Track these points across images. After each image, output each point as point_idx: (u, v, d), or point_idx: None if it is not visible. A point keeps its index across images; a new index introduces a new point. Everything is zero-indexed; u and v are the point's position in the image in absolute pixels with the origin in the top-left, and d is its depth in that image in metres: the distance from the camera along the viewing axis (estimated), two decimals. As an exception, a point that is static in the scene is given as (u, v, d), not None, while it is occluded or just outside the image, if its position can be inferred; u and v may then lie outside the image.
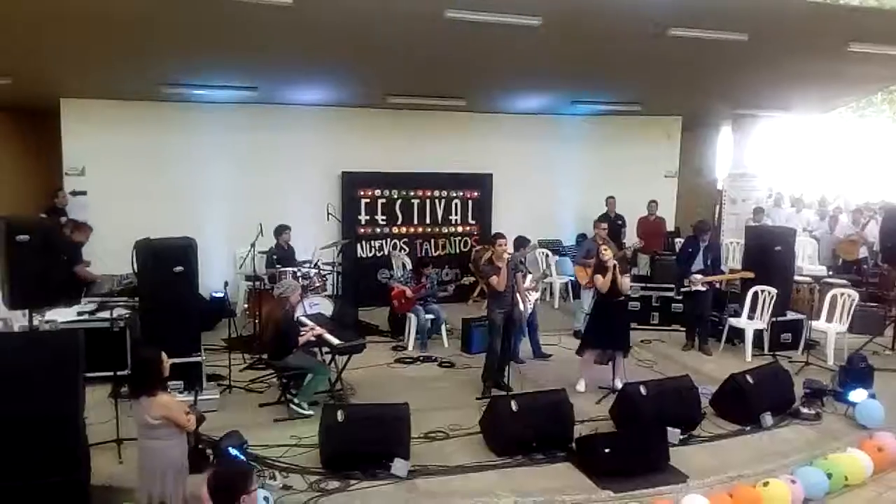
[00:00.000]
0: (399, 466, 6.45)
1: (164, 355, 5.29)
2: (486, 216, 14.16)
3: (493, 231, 10.39)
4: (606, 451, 6.61)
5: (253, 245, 10.52)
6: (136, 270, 8.22)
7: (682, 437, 7.33)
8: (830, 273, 12.88)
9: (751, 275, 10.59)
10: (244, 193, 12.57)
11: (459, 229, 14.12)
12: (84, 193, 12.05)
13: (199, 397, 7.57)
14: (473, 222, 14.16)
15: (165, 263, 8.07)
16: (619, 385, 8.41)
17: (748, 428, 7.78)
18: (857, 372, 8.54)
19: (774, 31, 9.43)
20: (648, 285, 12.07)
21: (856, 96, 16.68)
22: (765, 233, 11.92)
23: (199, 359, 8.27)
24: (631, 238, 13.95)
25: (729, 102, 14.65)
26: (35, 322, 7.47)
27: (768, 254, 10.89)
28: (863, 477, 7.18)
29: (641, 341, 11.05)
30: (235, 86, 11.48)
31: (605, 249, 8.78)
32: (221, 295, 10.67)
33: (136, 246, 8.16)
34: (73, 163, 12.02)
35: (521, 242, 9.83)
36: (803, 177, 20.42)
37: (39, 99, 11.82)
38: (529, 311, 9.97)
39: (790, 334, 10.71)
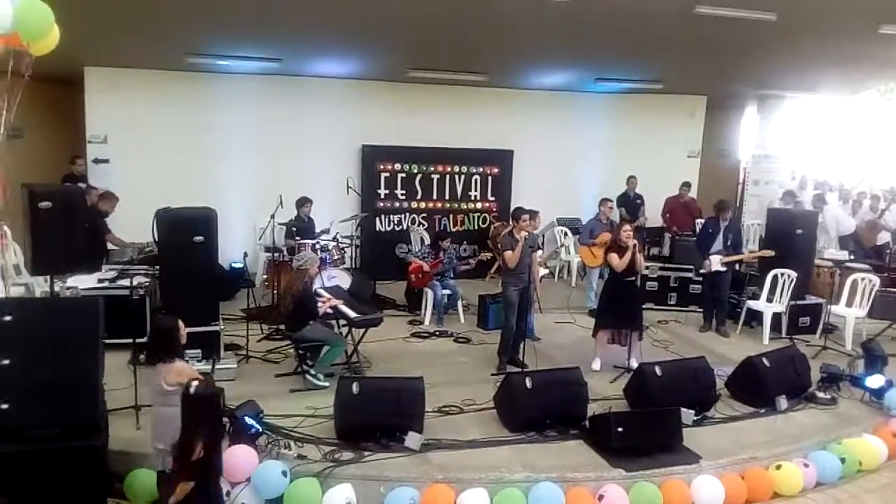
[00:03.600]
0: (412, 439, 6.51)
1: (181, 323, 5.35)
2: (506, 193, 14.11)
3: (513, 207, 10.36)
4: (619, 430, 6.62)
5: (273, 216, 10.56)
6: (156, 239, 8.28)
7: (695, 418, 7.33)
8: (851, 257, 12.75)
9: (771, 253, 10.51)
10: (265, 165, 12.61)
11: (479, 205, 14.10)
12: (106, 161, 12.12)
13: (217, 366, 7.70)
14: (493, 199, 14.13)
15: (186, 233, 8.13)
16: (634, 365, 8.42)
17: (763, 410, 7.77)
18: (872, 357, 8.48)
19: (803, 11, 9.28)
20: (667, 265, 12.00)
21: (885, 79, 16.43)
22: (786, 215, 11.81)
23: (217, 328, 8.38)
24: (651, 217, 13.91)
25: (754, 83, 14.46)
26: (56, 288, 7.54)
27: (789, 237, 10.80)
28: (877, 462, 7.19)
29: (658, 321, 11.04)
30: (259, 57, 11.48)
31: (627, 230, 8.73)
32: (241, 265, 10.73)
33: (157, 215, 8.21)
34: (96, 131, 12.08)
35: (532, 215, 9.78)
36: (827, 160, 20.15)
37: (63, 67, 11.84)
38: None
39: (809, 318, 10.65)
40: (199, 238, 8.15)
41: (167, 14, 9.24)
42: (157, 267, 8.82)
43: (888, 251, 13.93)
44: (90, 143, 12.11)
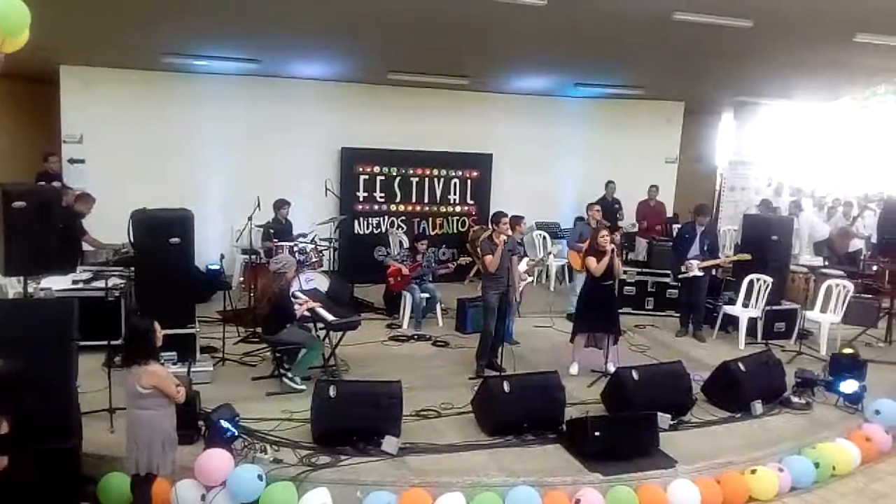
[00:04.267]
0: (389, 443, 6.48)
1: (157, 326, 5.30)
2: (485, 196, 14.13)
3: (493, 211, 10.40)
4: (596, 434, 6.63)
5: (250, 218, 10.50)
6: (132, 240, 8.21)
7: (672, 422, 7.36)
8: (826, 264, 12.89)
9: (747, 257, 10.59)
10: (243, 166, 12.55)
11: (458, 209, 14.11)
12: (82, 162, 12.01)
13: (193, 369, 7.64)
14: (472, 202, 14.15)
15: (162, 234, 8.06)
16: (611, 369, 8.44)
17: (738, 415, 7.81)
18: (846, 363, 8.56)
19: (780, 18, 9.36)
20: (644, 270, 12.06)
21: (861, 87, 16.61)
22: (762, 221, 11.90)
23: (193, 330, 8.31)
24: (628, 222, 13.97)
25: (731, 89, 14.58)
26: (30, 289, 7.45)
27: (765, 242, 10.88)
28: (850, 467, 7.26)
29: (635, 326, 11.09)
30: (238, 57, 11.42)
31: (605, 235, 8.76)
32: (217, 267, 10.64)
33: (133, 216, 8.14)
34: (72, 130, 11.97)
35: (515, 220, 9.78)
36: (803, 166, 20.34)
37: (38, 66, 11.72)
38: (519, 293, 9.87)
39: (784, 323, 10.73)
40: (175, 240, 8.08)
41: (143, 13, 9.16)
42: (133, 268, 8.75)
43: (861, 258, 14.11)
44: (65, 143, 12.01)
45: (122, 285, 8.71)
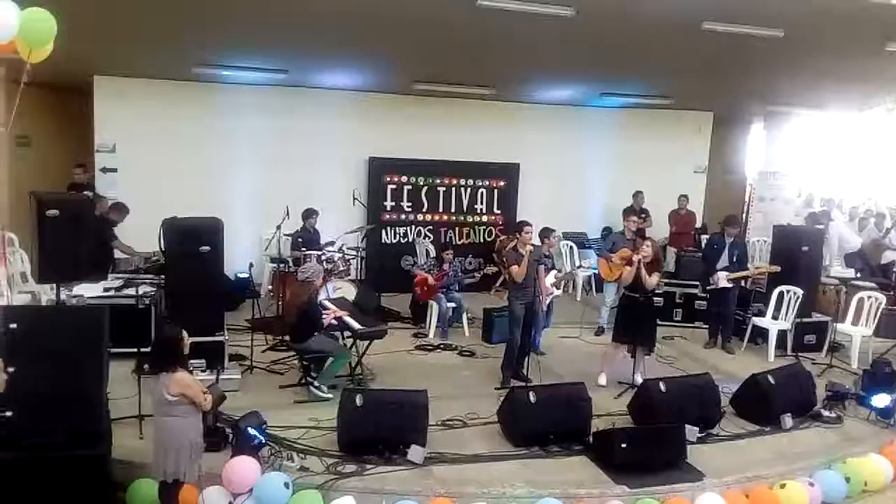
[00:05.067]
0: (415, 453, 6.49)
1: (185, 333, 5.36)
2: (512, 206, 14.12)
3: (518, 221, 10.39)
4: (623, 446, 6.59)
5: (279, 227, 10.57)
6: (162, 249, 8.31)
7: (700, 435, 7.30)
8: (858, 275, 12.71)
9: (777, 269, 10.49)
10: (271, 175, 12.66)
11: (485, 218, 14.12)
12: (114, 171, 12.19)
13: (221, 377, 7.66)
14: (498, 212, 14.15)
15: (192, 243, 8.14)
16: (638, 380, 8.38)
17: (768, 428, 7.72)
18: (881, 376, 8.44)
19: (811, 28, 9.27)
20: (673, 281, 11.98)
21: (892, 96, 16.39)
22: (792, 232, 11.78)
23: (221, 338, 8.37)
24: (657, 232, 13.87)
25: (761, 99, 14.45)
26: (62, 296, 7.56)
27: (795, 254, 10.77)
28: (883, 482, 7.15)
29: (663, 337, 10.96)
30: (266, 68, 11.53)
31: (646, 245, 8.72)
32: (246, 276, 10.75)
33: (164, 224, 8.26)
34: (104, 140, 12.16)
35: (545, 233, 9.79)
36: (834, 177, 20.13)
37: (72, 75, 11.92)
38: (545, 304, 9.84)
39: (814, 336, 10.61)
40: (205, 248, 8.16)
41: (175, 25, 9.27)
42: (163, 276, 8.85)
43: (895, 269, 13.90)
44: (98, 152, 12.20)
45: (153, 293, 8.81)
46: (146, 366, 6.32)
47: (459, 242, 13.74)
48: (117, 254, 10.32)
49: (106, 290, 8.81)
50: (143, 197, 11.06)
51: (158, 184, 11.77)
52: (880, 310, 10.24)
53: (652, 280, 8.69)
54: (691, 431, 7.14)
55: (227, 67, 11.40)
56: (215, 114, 12.52)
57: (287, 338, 8.70)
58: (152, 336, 7.73)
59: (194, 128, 12.39)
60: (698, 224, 14.89)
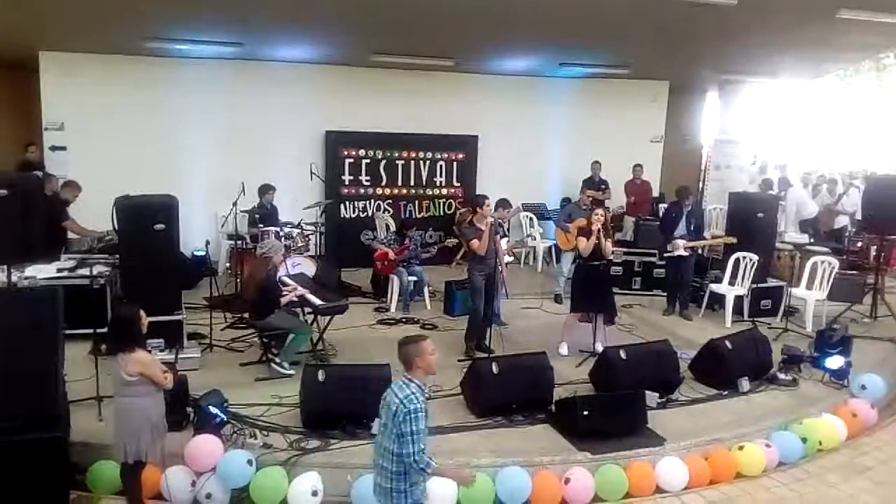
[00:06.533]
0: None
1: (142, 313, 5.29)
2: (471, 178, 14.09)
3: (479, 193, 10.36)
4: (585, 413, 6.67)
5: (235, 204, 10.43)
6: (116, 228, 8.17)
7: (660, 400, 7.42)
8: (811, 241, 12.96)
9: (733, 240, 10.62)
10: (227, 151, 12.46)
11: (444, 191, 14.07)
12: (63, 149, 11.89)
13: (180, 356, 7.62)
14: (458, 185, 14.10)
15: (146, 221, 8.02)
16: (599, 349, 8.47)
17: (726, 392, 7.88)
18: (834, 339, 8.62)
19: (764, -5, 9.37)
20: (631, 250, 12.10)
21: (845, 63, 16.64)
22: (747, 199, 11.93)
23: (179, 317, 8.28)
24: (615, 202, 13.97)
25: (716, 67, 14.57)
26: (14, 278, 7.40)
27: (751, 220, 10.92)
28: (837, 442, 7.33)
29: (623, 306, 11.07)
30: (220, 41, 11.29)
31: (599, 214, 8.77)
32: (203, 253, 10.59)
33: (117, 203, 8.11)
34: (53, 117, 11.83)
35: (501, 204, 9.75)
36: (788, 144, 20.42)
37: (17, 52, 11.59)
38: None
39: (770, 301, 10.79)
40: (159, 226, 8.05)
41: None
42: (118, 256, 8.69)
43: (846, 234, 14.19)
44: (46, 130, 11.88)
45: (107, 273, 8.64)
46: (103, 347, 6.24)
47: (419, 216, 13.67)
48: (70, 234, 10.10)
49: (59, 270, 8.62)
50: (95, 175, 10.81)
51: (110, 162, 11.52)
52: (833, 274, 10.44)
53: (608, 246, 8.79)
54: (651, 397, 7.25)
55: (179, 41, 11.16)
56: (168, 89, 12.24)
57: (246, 315, 8.62)
58: (108, 316, 7.60)
59: (146, 104, 12.09)
60: (655, 193, 15.02)
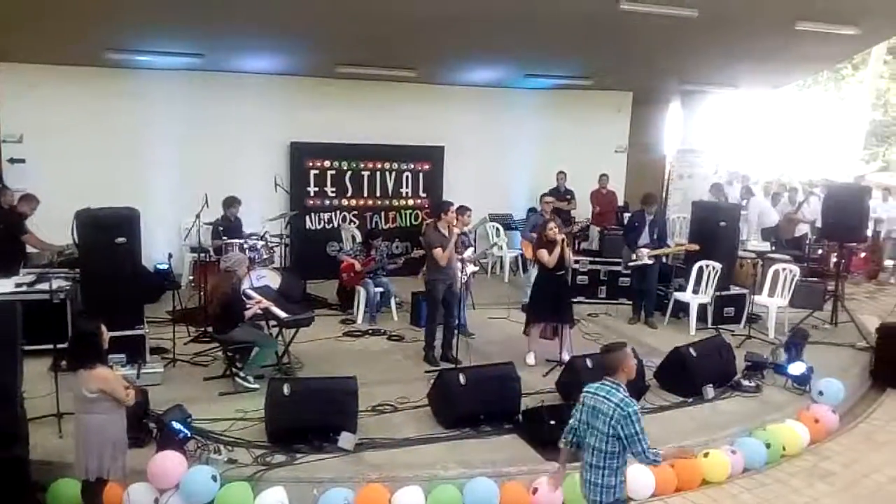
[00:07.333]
0: (346, 439, 6.45)
1: (103, 328, 5.21)
2: (438, 189, 14.06)
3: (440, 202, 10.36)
4: (552, 422, 6.68)
5: (198, 216, 10.32)
6: (76, 241, 8.04)
7: (626, 409, 7.44)
8: (773, 249, 13.14)
9: (696, 247, 10.73)
10: (190, 163, 12.29)
11: (410, 202, 14.04)
12: (22, 161, 11.68)
13: (143, 371, 7.51)
14: (424, 195, 14.08)
15: (107, 234, 7.91)
16: (566, 358, 8.50)
17: (691, 399, 7.95)
18: (797, 346, 8.75)
19: (724, 7, 9.50)
20: (596, 259, 12.16)
21: (804, 74, 16.93)
22: (710, 208, 12.07)
23: (142, 332, 8.16)
24: (582, 212, 14.05)
25: (678, 78, 14.74)
26: (-30, 294, 7.26)
27: (713, 229, 11.04)
28: (800, 447, 7.42)
29: (589, 315, 11.18)
30: (182, 52, 11.18)
31: (552, 227, 8.81)
32: (166, 267, 10.48)
33: (77, 216, 7.98)
34: (11, 130, 11.62)
35: (461, 211, 9.69)
36: (749, 153, 20.76)
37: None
38: (462, 282, 9.82)
39: (733, 308, 10.92)
40: (121, 239, 7.93)
41: (83, 8, 8.94)
42: (78, 269, 8.55)
43: (807, 242, 14.42)
44: (5, 143, 11.65)
45: (68, 287, 8.50)
46: (63, 363, 6.12)
47: (386, 227, 13.63)
48: (29, 248, 9.93)
49: (18, 285, 8.46)
50: (55, 188, 10.63)
51: (71, 174, 11.32)
52: (794, 281, 10.60)
53: (570, 255, 8.88)
54: (618, 406, 7.27)
55: (140, 52, 11.03)
56: (129, 100, 12.07)
57: (210, 329, 8.52)
58: (69, 332, 7.47)
59: (107, 115, 11.91)
60: (620, 202, 15.13)
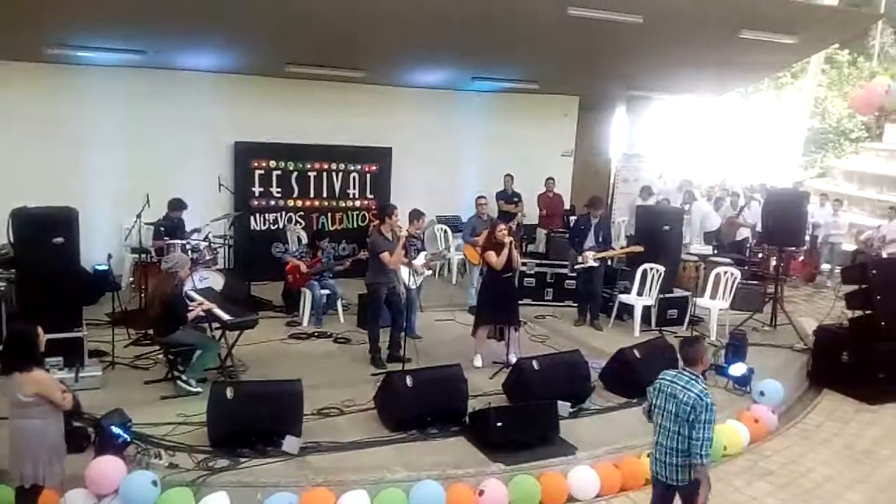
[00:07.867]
0: (290, 443, 6.37)
1: (39, 330, 5.07)
2: (385, 190, 13.99)
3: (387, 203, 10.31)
4: (498, 424, 6.71)
5: (139, 216, 10.10)
6: (11, 241, 7.82)
7: (572, 410, 7.52)
8: (715, 252, 13.38)
9: (640, 249, 10.87)
10: (131, 162, 11.98)
11: (357, 203, 13.93)
12: (-45, 159, 11.31)
13: (81, 374, 7.34)
14: (371, 196, 13.99)
15: (44, 234, 7.70)
16: (513, 360, 8.53)
17: (635, 400, 7.98)
18: (738, 347, 8.93)
19: (669, 14, 9.65)
20: (543, 262, 12.24)
21: (746, 81, 17.30)
22: (654, 212, 12.24)
23: (80, 334, 7.94)
24: (530, 216, 14.14)
25: (624, 83, 14.95)
26: None
27: (657, 233, 11.20)
28: (740, 447, 7.57)
29: (535, 317, 11.23)
30: (125, 49, 10.93)
31: (502, 229, 8.83)
32: (105, 268, 10.21)
33: (13, 214, 7.77)
34: (-56, 126, 11.24)
35: (415, 216, 9.71)
36: (692, 158, 21.12)
37: None
38: (415, 286, 9.77)
39: (676, 310, 11.08)
40: (58, 239, 7.73)
41: (22, 1, 8.68)
42: (13, 270, 8.30)
43: (748, 246, 14.72)
44: (-63, 140, 11.26)
45: (2, 288, 8.24)
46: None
47: (332, 228, 13.50)
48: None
49: (-51, 286, 8.20)
50: (-10, 186, 10.32)
51: (8, 172, 10.94)
52: (735, 284, 10.81)
53: (517, 257, 8.92)
54: (563, 407, 7.34)
55: (82, 48, 10.74)
56: (69, 97, 11.72)
57: (151, 331, 8.35)
58: (3, 334, 7.25)
59: (45, 112, 11.55)
60: (566, 206, 15.26)
